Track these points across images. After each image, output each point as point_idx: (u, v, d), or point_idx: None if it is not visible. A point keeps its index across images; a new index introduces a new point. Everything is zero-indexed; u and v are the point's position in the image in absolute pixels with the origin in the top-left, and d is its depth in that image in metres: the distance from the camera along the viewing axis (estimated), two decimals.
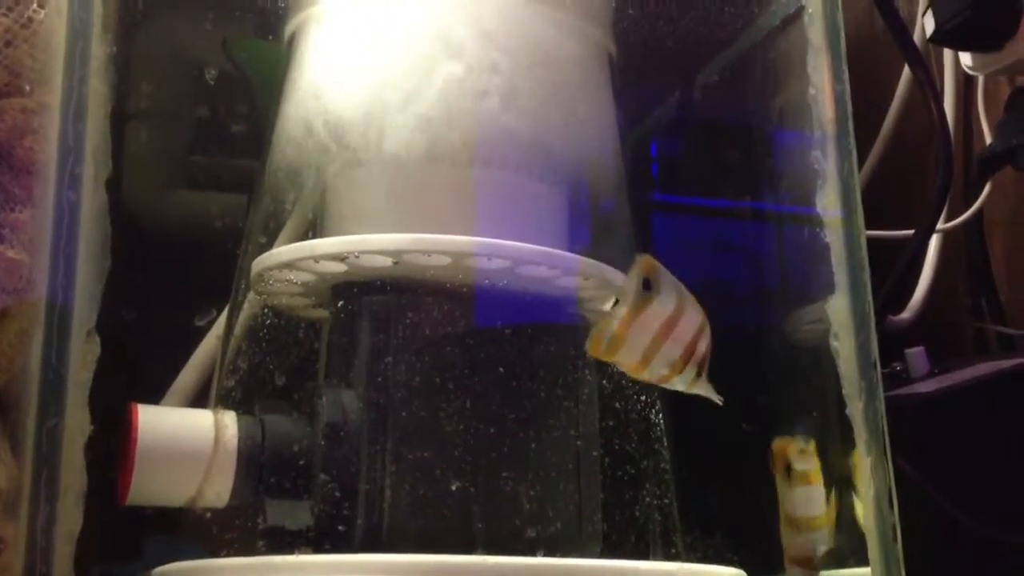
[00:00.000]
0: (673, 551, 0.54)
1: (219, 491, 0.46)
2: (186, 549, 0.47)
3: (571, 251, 0.53)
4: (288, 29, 0.57)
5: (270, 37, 0.58)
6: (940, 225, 0.77)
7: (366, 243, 0.49)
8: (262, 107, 0.61)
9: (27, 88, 0.44)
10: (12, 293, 0.42)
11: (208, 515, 0.47)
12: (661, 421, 0.55)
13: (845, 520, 0.52)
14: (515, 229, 0.51)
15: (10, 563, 0.39)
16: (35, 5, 0.44)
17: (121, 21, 0.45)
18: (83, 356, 0.40)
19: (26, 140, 0.44)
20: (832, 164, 0.51)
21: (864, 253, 0.50)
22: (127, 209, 0.64)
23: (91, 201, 0.42)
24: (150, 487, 0.45)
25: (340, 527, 0.46)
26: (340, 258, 0.49)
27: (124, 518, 0.47)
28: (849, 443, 0.48)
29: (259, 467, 0.47)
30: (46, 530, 0.38)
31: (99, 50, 0.43)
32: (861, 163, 0.81)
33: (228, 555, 0.45)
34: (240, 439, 0.46)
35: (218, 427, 0.46)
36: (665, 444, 0.55)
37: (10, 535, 0.41)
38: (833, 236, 0.50)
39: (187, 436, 0.46)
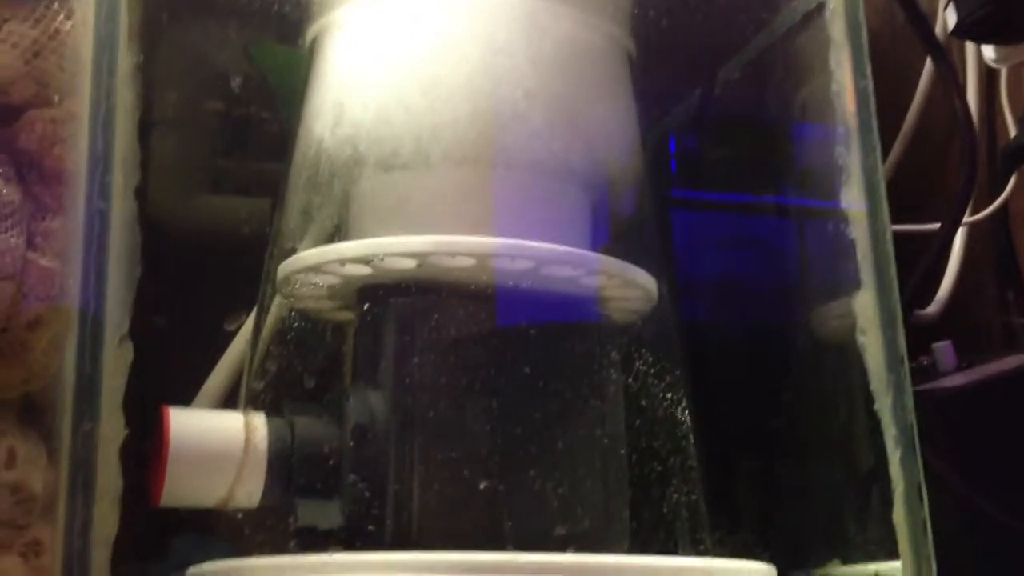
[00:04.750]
0: (702, 548, 0.54)
1: (250, 492, 0.46)
2: (218, 549, 0.47)
3: (594, 250, 0.53)
4: (309, 34, 0.57)
5: (300, 42, 0.58)
6: (966, 219, 0.76)
7: (391, 246, 0.49)
8: (285, 112, 0.62)
9: (55, 98, 0.45)
10: (45, 300, 0.43)
11: (239, 516, 0.47)
12: (687, 418, 0.55)
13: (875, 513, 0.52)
14: (538, 229, 0.51)
15: (48, 566, 0.40)
16: (62, 16, 0.45)
17: (147, 30, 0.46)
18: (116, 361, 0.41)
19: (55, 150, 0.44)
20: (856, 159, 0.51)
21: (890, 248, 0.50)
22: (156, 215, 0.65)
23: (121, 209, 0.42)
24: (183, 488, 0.45)
25: (370, 526, 0.47)
26: (365, 261, 0.50)
27: (156, 519, 0.47)
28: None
29: (289, 468, 0.47)
30: (82, 533, 0.39)
31: (126, 60, 0.44)
32: (884, 157, 0.81)
33: (260, 555, 0.46)
34: (270, 440, 0.47)
35: (248, 429, 0.47)
36: (692, 441, 0.55)
37: (47, 538, 0.41)
38: (858, 231, 0.50)
39: (218, 438, 0.46)
